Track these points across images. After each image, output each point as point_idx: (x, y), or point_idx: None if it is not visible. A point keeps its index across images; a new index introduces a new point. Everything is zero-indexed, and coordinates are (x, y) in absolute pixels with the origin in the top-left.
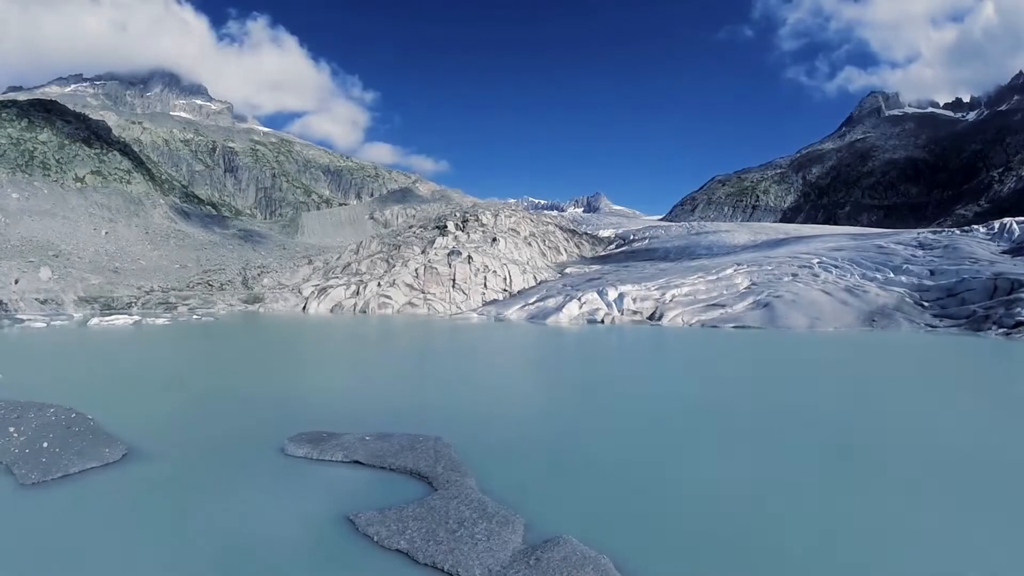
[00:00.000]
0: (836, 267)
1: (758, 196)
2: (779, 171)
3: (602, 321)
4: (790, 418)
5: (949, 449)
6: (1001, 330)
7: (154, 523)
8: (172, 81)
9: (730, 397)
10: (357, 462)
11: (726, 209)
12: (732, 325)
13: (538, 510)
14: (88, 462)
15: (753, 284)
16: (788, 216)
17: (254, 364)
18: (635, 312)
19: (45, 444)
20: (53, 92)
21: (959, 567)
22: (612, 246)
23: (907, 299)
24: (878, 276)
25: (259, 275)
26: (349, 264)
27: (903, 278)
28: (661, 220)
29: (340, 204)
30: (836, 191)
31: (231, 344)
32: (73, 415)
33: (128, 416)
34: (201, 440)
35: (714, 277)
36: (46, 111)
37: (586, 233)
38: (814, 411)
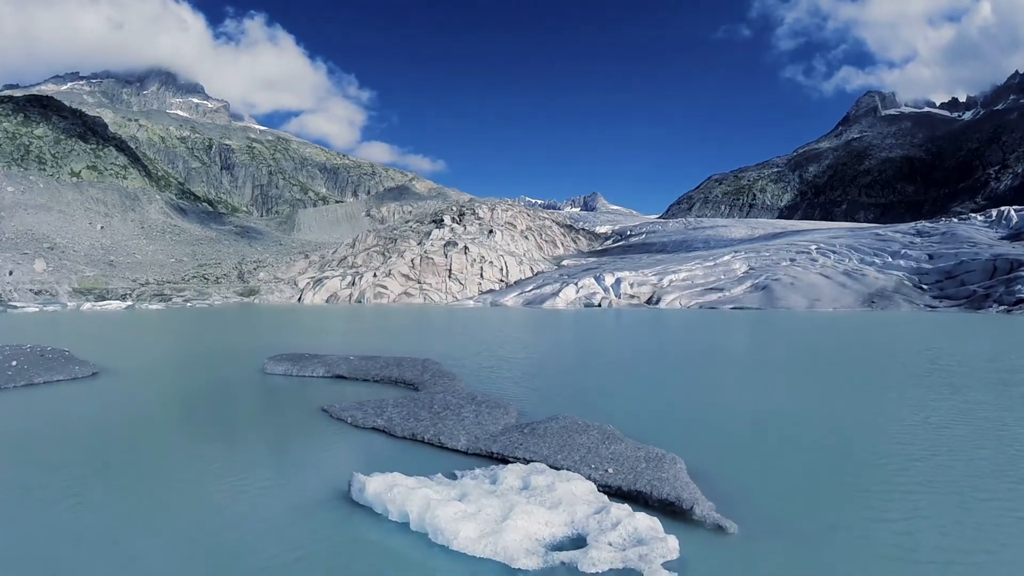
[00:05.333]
0: (834, 252)
1: (755, 195)
2: (776, 170)
3: (599, 305)
4: (777, 355)
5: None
6: (1002, 307)
7: (112, 419)
8: (169, 79)
9: (711, 346)
10: (339, 376)
11: (723, 208)
12: (730, 307)
13: (533, 403)
14: (55, 376)
15: (751, 269)
16: (785, 214)
17: (241, 327)
18: (632, 296)
19: (14, 363)
20: (49, 90)
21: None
22: (609, 241)
23: (906, 282)
24: (876, 261)
25: (255, 269)
26: (345, 257)
27: (901, 262)
28: (658, 219)
29: (337, 202)
30: (833, 189)
31: (221, 320)
32: (49, 348)
33: (107, 352)
34: (178, 365)
35: (712, 263)
36: (42, 107)
37: (583, 229)
38: (803, 350)
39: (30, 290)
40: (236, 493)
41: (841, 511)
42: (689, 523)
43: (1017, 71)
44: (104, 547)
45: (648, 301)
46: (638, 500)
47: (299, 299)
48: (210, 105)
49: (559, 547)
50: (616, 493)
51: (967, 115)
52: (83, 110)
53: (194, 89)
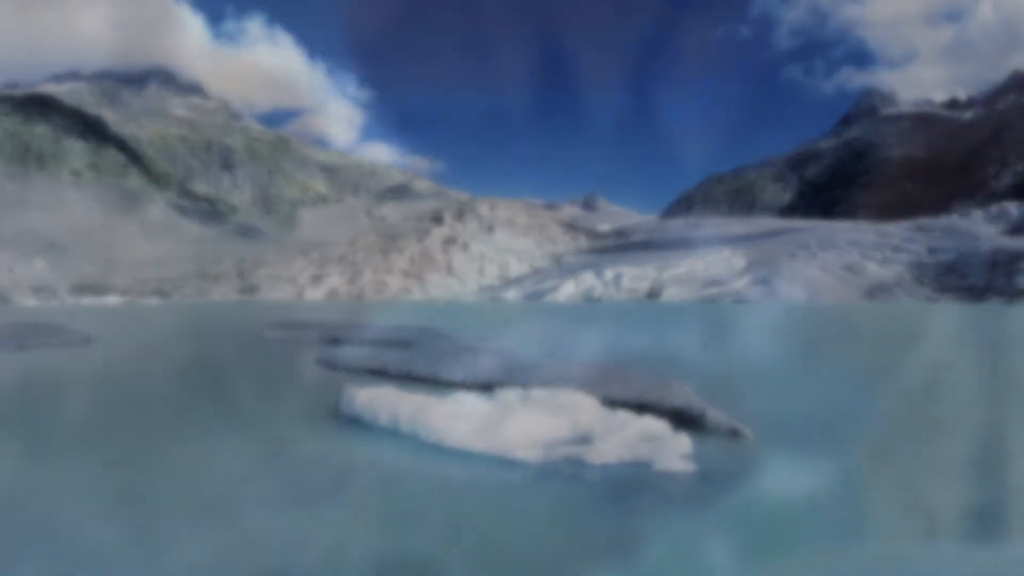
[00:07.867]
0: (835, 247)
1: (755, 194)
2: (776, 169)
3: (599, 299)
4: (780, 327)
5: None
6: (1003, 298)
7: (104, 370)
8: (169, 79)
9: (712, 323)
10: (335, 339)
11: (723, 207)
12: (730, 299)
13: (534, 356)
14: (48, 340)
15: (751, 263)
16: (785, 214)
17: (238, 314)
18: (632, 290)
19: (8, 332)
20: (49, 89)
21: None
22: (609, 239)
23: (906, 275)
24: (876, 255)
25: (255, 267)
26: (345, 255)
27: (902, 256)
28: (659, 218)
29: (336, 201)
30: (833, 189)
31: (219, 309)
32: (43, 322)
33: (102, 327)
34: (174, 336)
35: (712, 258)
36: (42, 106)
37: (583, 227)
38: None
39: (30, 287)
40: (227, 424)
41: (852, 423)
42: (701, 431)
43: (1017, 70)
44: (102, 477)
45: (648, 295)
46: (644, 412)
47: (299, 295)
48: (210, 105)
49: (562, 445)
50: (622, 407)
51: (967, 114)
52: (83, 109)
53: (194, 89)
